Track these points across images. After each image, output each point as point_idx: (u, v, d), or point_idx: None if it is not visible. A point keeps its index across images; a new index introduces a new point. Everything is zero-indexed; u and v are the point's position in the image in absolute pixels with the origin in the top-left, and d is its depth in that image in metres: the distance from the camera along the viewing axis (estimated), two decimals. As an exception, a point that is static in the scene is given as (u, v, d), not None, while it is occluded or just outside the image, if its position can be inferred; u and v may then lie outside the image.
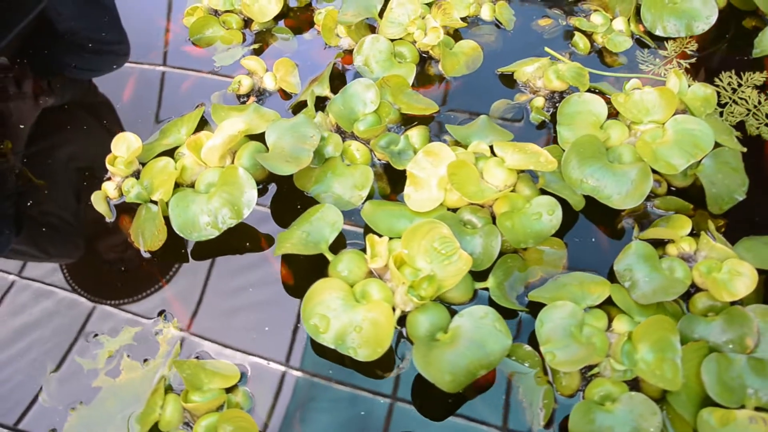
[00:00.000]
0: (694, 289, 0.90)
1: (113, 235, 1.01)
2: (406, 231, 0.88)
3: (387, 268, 0.88)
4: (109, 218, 1.02)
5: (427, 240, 0.87)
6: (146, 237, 0.97)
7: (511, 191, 0.95)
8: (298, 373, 0.89)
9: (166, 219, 0.95)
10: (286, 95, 1.16)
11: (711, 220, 0.97)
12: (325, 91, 1.10)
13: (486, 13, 1.24)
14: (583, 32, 1.21)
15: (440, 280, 0.86)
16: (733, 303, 0.86)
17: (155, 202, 0.98)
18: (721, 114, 1.08)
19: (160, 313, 0.93)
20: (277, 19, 1.26)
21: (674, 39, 1.19)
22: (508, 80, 1.16)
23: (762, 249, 0.91)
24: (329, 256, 0.92)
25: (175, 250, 0.99)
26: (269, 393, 0.87)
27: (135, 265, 0.99)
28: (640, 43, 1.20)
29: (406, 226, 0.90)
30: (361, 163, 1.02)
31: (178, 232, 0.94)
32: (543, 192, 0.96)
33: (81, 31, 1.27)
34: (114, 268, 0.99)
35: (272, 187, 1.05)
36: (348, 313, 0.85)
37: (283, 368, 0.89)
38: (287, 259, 0.97)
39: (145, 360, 0.89)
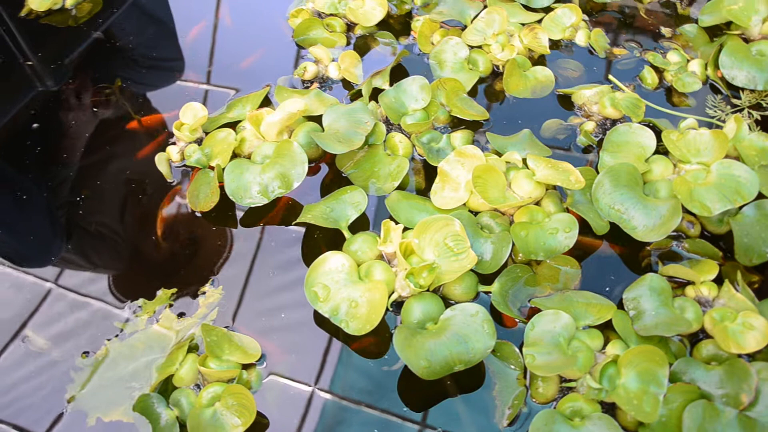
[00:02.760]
0: (703, 335, 0.88)
1: (159, 246, 1.04)
2: (421, 222, 0.90)
3: (396, 254, 0.90)
4: (169, 179, 1.09)
5: (440, 234, 0.89)
6: (200, 199, 1.04)
7: (536, 205, 0.96)
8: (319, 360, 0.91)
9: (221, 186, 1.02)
10: (348, 85, 1.20)
11: (743, 272, 0.93)
12: (384, 84, 1.15)
13: (581, 39, 1.25)
14: (655, 68, 1.19)
15: (441, 273, 0.88)
16: (739, 356, 0.83)
17: (213, 169, 1.04)
18: (783, 173, 1.03)
19: (208, 279, 0.98)
20: (379, 25, 1.30)
21: (751, 90, 1.15)
22: (567, 102, 1.16)
23: (788, 312, 0.86)
24: (346, 234, 0.96)
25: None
26: (283, 380, 0.89)
27: (178, 277, 1.00)
28: (713, 88, 1.17)
29: (424, 220, 0.92)
30: (402, 155, 1.05)
31: (230, 197, 1.00)
32: (568, 211, 0.96)
33: (138, 47, 1.33)
34: (157, 278, 1.01)
35: (323, 168, 1.09)
36: (349, 288, 0.88)
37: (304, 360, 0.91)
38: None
39: (182, 314, 0.95)
